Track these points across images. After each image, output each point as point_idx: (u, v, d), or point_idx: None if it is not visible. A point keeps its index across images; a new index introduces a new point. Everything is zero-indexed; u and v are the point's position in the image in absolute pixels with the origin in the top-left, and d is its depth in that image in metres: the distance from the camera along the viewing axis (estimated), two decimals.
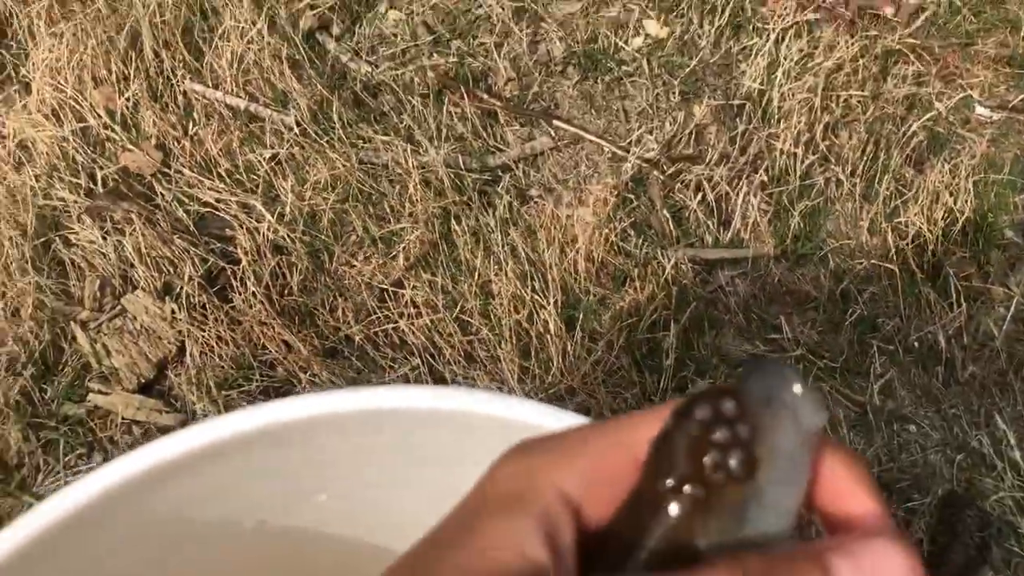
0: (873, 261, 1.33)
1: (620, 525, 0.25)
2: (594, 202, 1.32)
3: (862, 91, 1.49)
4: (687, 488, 0.24)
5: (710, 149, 1.40)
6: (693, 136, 1.42)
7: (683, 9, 1.54)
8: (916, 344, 1.31)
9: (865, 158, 1.41)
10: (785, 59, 1.48)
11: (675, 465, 0.24)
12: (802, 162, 1.39)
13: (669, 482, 0.24)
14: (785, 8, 1.56)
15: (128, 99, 1.33)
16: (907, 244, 1.36)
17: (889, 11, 1.61)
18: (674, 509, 0.24)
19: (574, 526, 0.26)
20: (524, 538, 0.24)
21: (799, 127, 1.41)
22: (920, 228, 1.38)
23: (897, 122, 1.47)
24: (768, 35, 1.51)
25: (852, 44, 1.51)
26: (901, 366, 1.29)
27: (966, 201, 1.41)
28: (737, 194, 1.36)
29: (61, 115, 1.31)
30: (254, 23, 1.40)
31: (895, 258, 1.34)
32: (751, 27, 1.55)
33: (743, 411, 0.24)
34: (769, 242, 1.34)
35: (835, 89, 1.48)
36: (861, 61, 1.52)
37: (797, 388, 0.25)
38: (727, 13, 1.53)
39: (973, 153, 1.47)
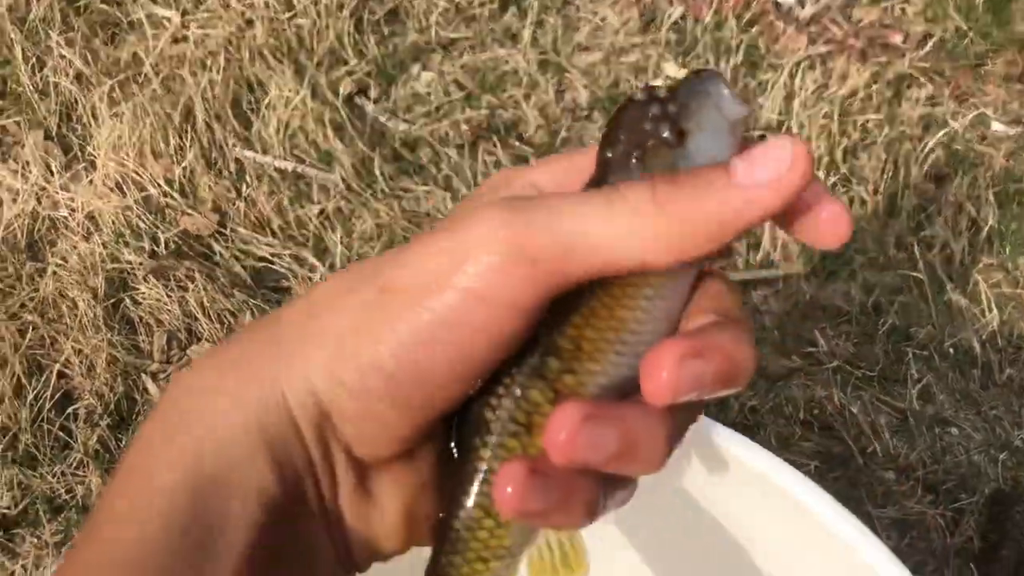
0: (902, 271, 1.37)
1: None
2: None
3: (878, 115, 1.55)
4: (627, 149, 0.30)
5: None
6: None
7: (699, 51, 1.62)
8: (951, 350, 1.34)
9: (885, 176, 1.46)
10: (801, 90, 1.55)
11: (618, 135, 0.30)
12: (824, 184, 1.44)
13: (613, 150, 0.30)
14: (797, 44, 1.64)
15: (185, 168, 1.43)
16: (934, 255, 1.40)
17: (898, 39, 1.67)
18: (616, 170, 0.30)
19: None
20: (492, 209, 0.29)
21: (819, 151, 1.47)
22: (946, 239, 1.42)
23: (914, 141, 1.53)
24: (782, 69, 1.58)
25: (864, 71, 1.57)
26: (938, 372, 1.32)
27: (990, 211, 1.45)
28: None
29: (124, 187, 1.41)
30: (297, 92, 1.50)
31: (923, 269, 1.38)
32: (765, 63, 1.62)
33: (675, 98, 0.30)
34: (798, 261, 1.39)
35: (851, 115, 1.55)
36: (874, 87, 1.58)
37: (720, 84, 0.30)
38: (741, 52, 1.61)
39: (991, 166, 1.51)
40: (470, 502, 0.31)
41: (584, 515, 0.29)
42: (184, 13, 1.63)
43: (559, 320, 0.29)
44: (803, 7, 1.70)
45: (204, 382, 0.30)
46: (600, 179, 0.31)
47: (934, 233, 1.42)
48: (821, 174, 1.45)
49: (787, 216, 0.30)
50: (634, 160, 0.30)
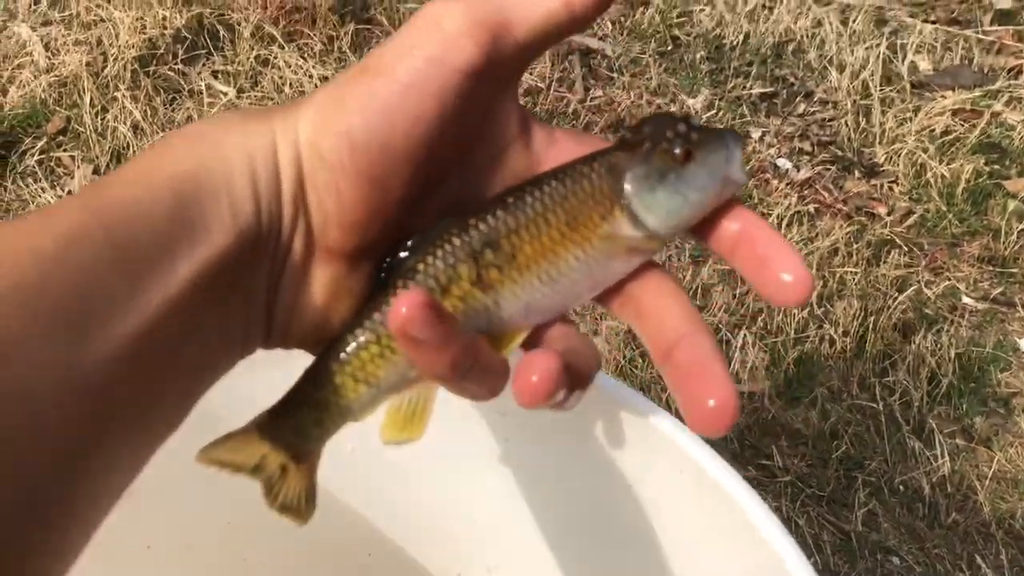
0: (861, 405, 1.45)
1: None
2: (607, 334, 1.48)
3: (855, 269, 1.66)
4: (642, 140, 0.35)
5: (714, 302, 1.56)
6: (699, 292, 1.59)
7: None
8: (900, 487, 1.39)
9: (855, 323, 1.56)
10: (786, 238, 1.67)
11: (643, 128, 0.36)
12: (797, 320, 1.54)
13: (632, 136, 0.36)
14: (788, 199, 1.78)
15: None
16: (894, 399, 1.48)
17: (883, 211, 1.81)
18: (624, 149, 0.36)
19: None
20: None
21: None
22: (907, 386, 1.50)
23: (887, 298, 1.64)
24: (771, 220, 1.71)
25: (847, 229, 1.71)
26: (886, 504, 1.37)
27: (951, 369, 1.53)
28: (736, 340, 1.51)
29: None
30: None
31: (882, 409, 1.45)
32: (757, 211, 1.75)
33: (701, 130, 0.35)
34: (765, 384, 1.47)
35: (831, 266, 1.66)
36: (855, 246, 1.70)
37: (739, 148, 0.35)
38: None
39: (958, 331, 1.61)
40: (368, 323, 0.35)
41: (448, 370, 0.32)
42: (240, 91, 1.81)
43: (514, 224, 0.34)
44: (798, 171, 1.86)
45: (228, 116, 0.34)
46: (609, 150, 0.36)
47: (896, 379, 1.50)
48: (795, 311, 1.55)
49: None
50: (643, 150, 0.35)
